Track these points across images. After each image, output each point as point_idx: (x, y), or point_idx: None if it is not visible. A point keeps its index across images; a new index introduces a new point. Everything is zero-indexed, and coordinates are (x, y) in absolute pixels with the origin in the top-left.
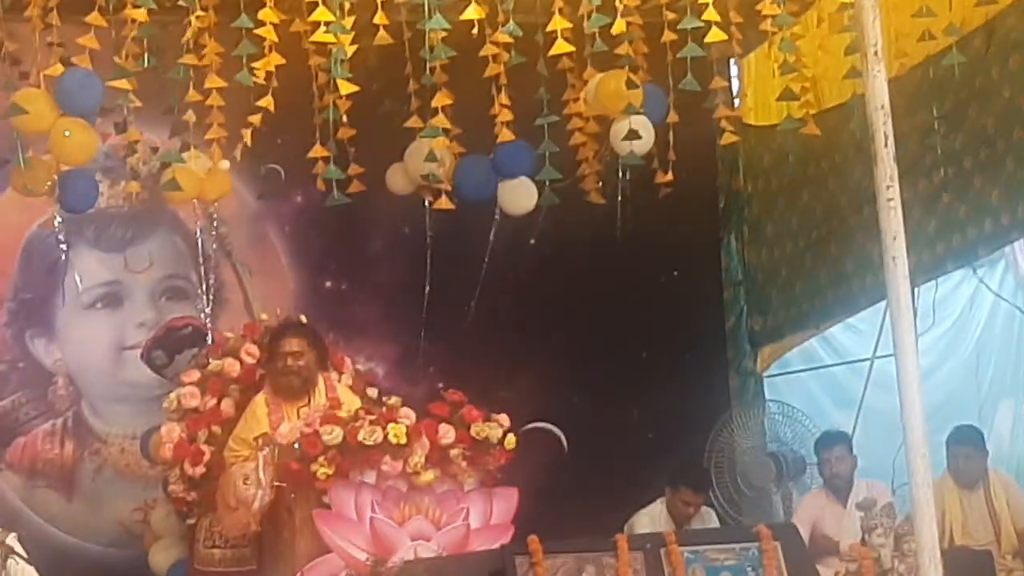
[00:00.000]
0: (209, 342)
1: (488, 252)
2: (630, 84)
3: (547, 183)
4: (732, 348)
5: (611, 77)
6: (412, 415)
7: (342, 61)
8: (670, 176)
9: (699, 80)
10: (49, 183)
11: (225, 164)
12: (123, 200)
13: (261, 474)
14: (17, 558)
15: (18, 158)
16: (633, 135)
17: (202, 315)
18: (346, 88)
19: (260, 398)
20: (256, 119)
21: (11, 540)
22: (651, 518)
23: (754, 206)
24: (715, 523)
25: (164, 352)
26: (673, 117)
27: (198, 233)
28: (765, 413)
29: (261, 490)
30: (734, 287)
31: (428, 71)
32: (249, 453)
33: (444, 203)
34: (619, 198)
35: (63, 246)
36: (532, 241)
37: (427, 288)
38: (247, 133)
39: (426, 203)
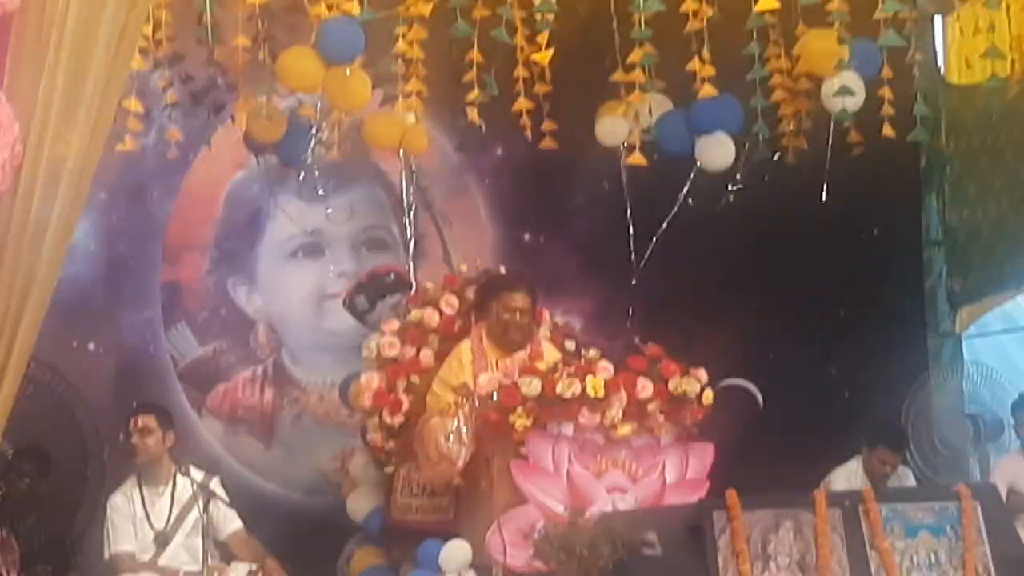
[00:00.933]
0: (412, 291)
1: (682, 205)
2: (841, 40)
3: (760, 137)
4: (931, 309)
5: (821, 35)
6: (610, 368)
7: (549, 12)
8: (891, 132)
9: (902, 36)
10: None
11: (411, 117)
12: (325, 150)
13: (464, 430)
14: (219, 502)
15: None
16: (845, 91)
17: (405, 264)
18: (540, 55)
19: (466, 344)
20: (471, 76)
21: (214, 484)
22: (847, 476)
23: (956, 166)
24: (911, 482)
25: (366, 298)
26: (888, 72)
27: (402, 184)
28: (963, 374)
29: (464, 447)
30: (934, 247)
31: (640, 24)
32: (451, 400)
33: (637, 159)
34: (828, 156)
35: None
36: (731, 198)
37: (631, 240)
38: (472, 111)
39: (622, 158)
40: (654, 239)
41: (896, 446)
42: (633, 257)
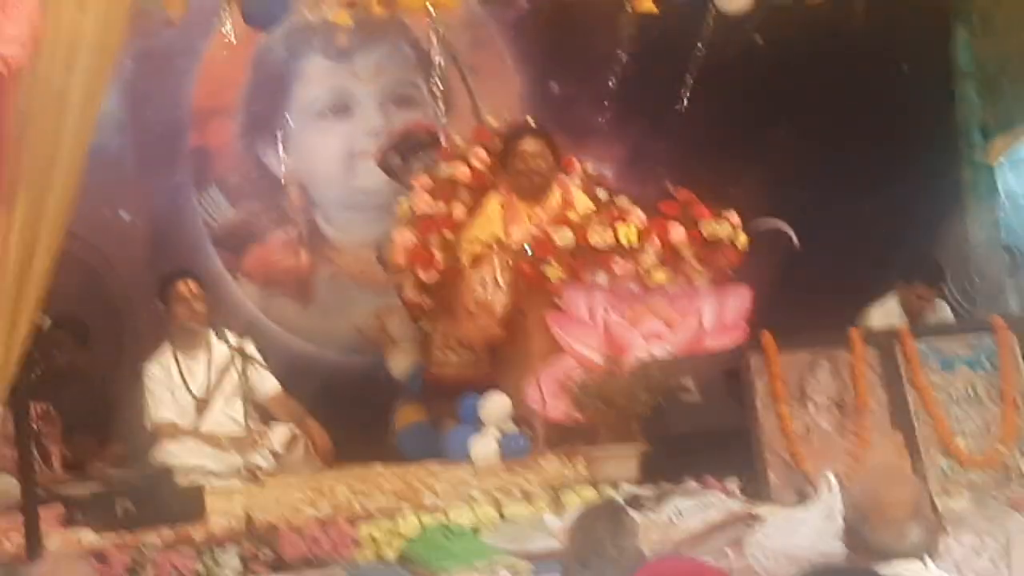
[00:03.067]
0: (443, 145)
1: (700, 50)
2: None
3: None
4: (963, 140)
5: None
6: (642, 215)
7: None
8: None
9: None
10: None
11: None
12: (348, 7)
13: (499, 278)
14: (256, 364)
15: None
16: None
17: (435, 120)
18: None
19: (494, 198)
20: None
21: (249, 347)
22: (884, 312)
23: None
24: (948, 316)
25: (399, 155)
26: None
27: (433, 40)
28: (998, 205)
29: (501, 294)
30: (964, 79)
31: None
32: (481, 249)
33: (647, 5)
34: None
35: None
36: (759, 40)
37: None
38: None
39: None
40: None
41: (932, 281)
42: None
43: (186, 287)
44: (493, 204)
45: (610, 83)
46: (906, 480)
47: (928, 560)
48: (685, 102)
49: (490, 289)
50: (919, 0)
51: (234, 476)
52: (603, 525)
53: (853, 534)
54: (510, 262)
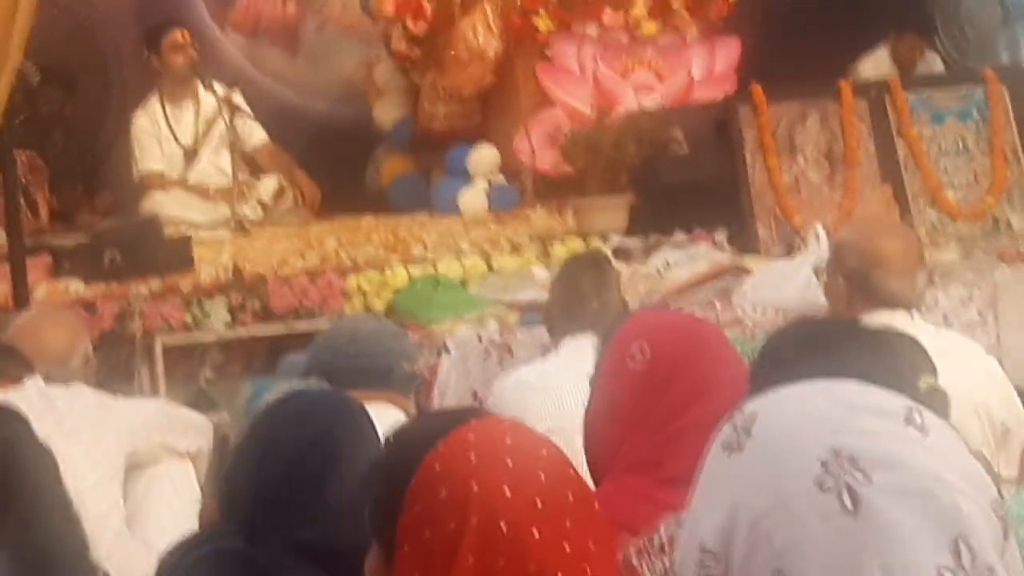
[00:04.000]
0: None
1: None
2: None
3: None
4: None
5: None
6: None
7: None
8: None
9: None
10: None
11: None
12: None
13: (491, 23)
14: (243, 115)
15: None
16: None
17: None
18: None
19: None
20: None
21: (236, 97)
22: (875, 63)
23: None
24: (939, 68)
25: None
26: None
27: None
28: None
29: (493, 39)
30: None
31: None
32: None
33: None
34: None
35: None
36: None
37: None
38: None
39: None
40: None
41: (923, 31)
42: None
43: (180, 34)
44: None
45: None
46: (903, 229)
47: (915, 312)
48: None
49: (482, 35)
50: None
51: (222, 227)
52: (587, 277)
53: (858, 281)
54: (501, 8)
